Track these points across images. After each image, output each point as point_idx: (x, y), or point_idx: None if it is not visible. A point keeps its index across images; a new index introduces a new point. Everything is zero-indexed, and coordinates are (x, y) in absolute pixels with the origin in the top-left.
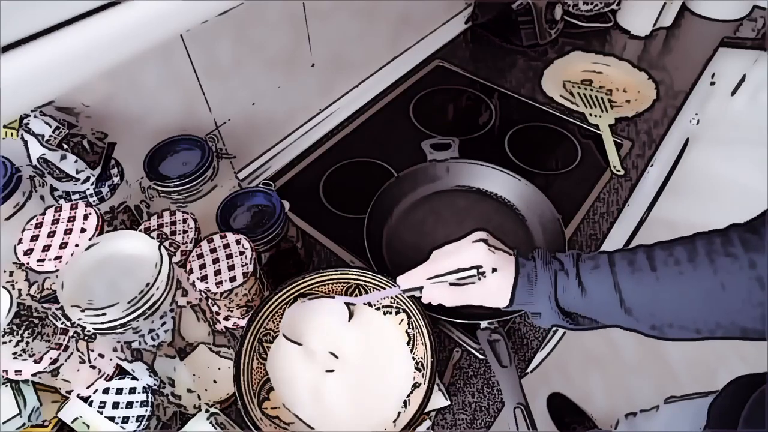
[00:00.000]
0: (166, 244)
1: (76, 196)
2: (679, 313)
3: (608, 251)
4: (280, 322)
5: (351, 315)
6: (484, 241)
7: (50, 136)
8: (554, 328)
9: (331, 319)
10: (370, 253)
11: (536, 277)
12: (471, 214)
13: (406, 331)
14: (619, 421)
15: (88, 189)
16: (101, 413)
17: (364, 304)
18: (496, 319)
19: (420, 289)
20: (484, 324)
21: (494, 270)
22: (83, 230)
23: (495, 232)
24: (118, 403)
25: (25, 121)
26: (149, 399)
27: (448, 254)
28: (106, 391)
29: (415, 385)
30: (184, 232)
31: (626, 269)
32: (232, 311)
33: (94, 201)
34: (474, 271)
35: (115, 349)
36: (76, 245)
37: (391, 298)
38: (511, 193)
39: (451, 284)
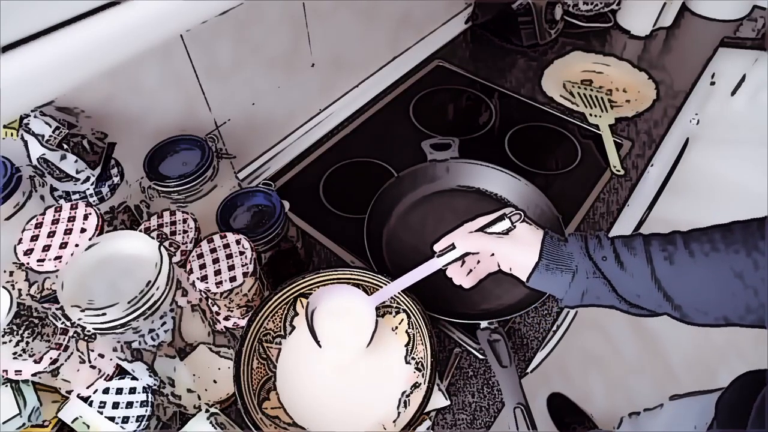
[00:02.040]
0: (166, 244)
1: (76, 196)
2: (707, 295)
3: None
4: (280, 322)
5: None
6: (521, 211)
7: (50, 136)
8: (554, 328)
9: (360, 327)
10: (370, 253)
11: (565, 237)
12: (471, 214)
13: (406, 331)
14: (622, 420)
15: (88, 189)
16: (101, 413)
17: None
18: (496, 319)
19: (458, 259)
20: (484, 324)
21: (523, 221)
22: (83, 230)
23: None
24: (118, 403)
25: (25, 121)
26: (149, 399)
27: (480, 217)
28: (106, 391)
29: (415, 385)
30: (184, 232)
31: (660, 243)
32: (232, 311)
33: (94, 201)
34: (504, 218)
35: (115, 349)
36: (76, 245)
37: (391, 297)
38: (511, 192)
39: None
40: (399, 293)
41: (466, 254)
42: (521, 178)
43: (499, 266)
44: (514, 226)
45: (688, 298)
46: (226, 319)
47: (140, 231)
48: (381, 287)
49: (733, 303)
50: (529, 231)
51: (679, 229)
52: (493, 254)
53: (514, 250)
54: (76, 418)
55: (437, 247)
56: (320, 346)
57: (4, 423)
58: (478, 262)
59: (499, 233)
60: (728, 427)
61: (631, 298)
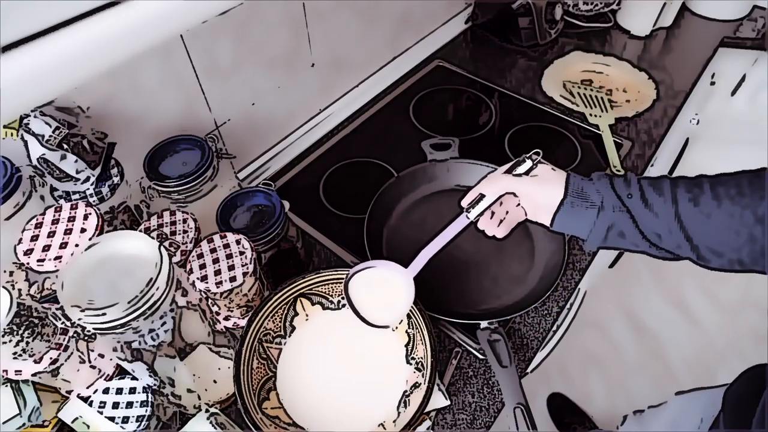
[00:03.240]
0: (166, 244)
1: (76, 196)
2: (727, 237)
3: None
4: (280, 322)
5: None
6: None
7: (50, 136)
8: (554, 328)
9: (400, 295)
10: (370, 252)
11: (590, 174)
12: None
13: (406, 331)
14: (626, 418)
15: (88, 189)
16: (101, 413)
17: None
18: (496, 319)
19: (486, 209)
20: (484, 324)
21: (538, 155)
22: (83, 230)
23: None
24: (118, 403)
25: (25, 121)
26: (149, 399)
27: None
28: (106, 391)
29: (415, 385)
30: (184, 232)
31: (686, 185)
32: (232, 311)
33: (94, 201)
34: (528, 162)
35: (115, 349)
36: (76, 245)
37: None
38: None
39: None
40: None
41: (493, 204)
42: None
43: (525, 215)
44: (536, 166)
45: (708, 239)
46: (226, 319)
47: (140, 231)
48: None
49: (751, 246)
50: (552, 171)
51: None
52: (518, 204)
53: (540, 188)
54: (76, 418)
55: (464, 202)
56: (359, 315)
57: (4, 423)
58: (507, 213)
59: (522, 174)
60: (734, 419)
61: (653, 237)
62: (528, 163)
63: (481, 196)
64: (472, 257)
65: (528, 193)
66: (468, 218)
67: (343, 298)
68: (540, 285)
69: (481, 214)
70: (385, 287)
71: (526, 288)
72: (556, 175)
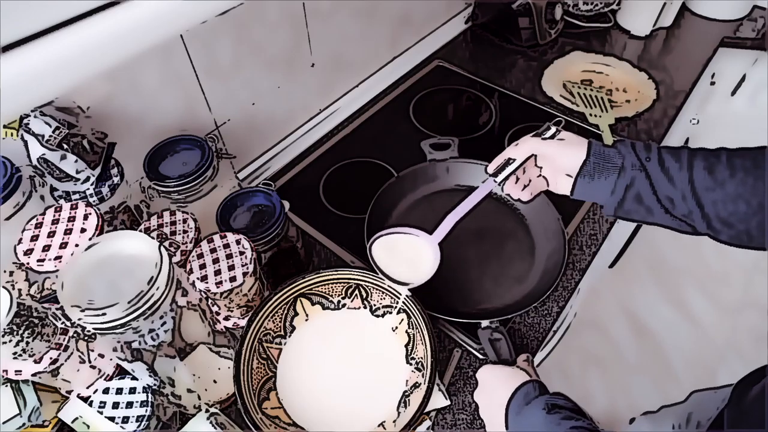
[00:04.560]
0: (166, 244)
1: (76, 196)
2: (738, 207)
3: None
4: (280, 322)
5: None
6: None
7: (50, 136)
8: (554, 328)
9: (424, 261)
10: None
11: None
12: (471, 214)
13: (406, 331)
14: (633, 420)
15: (88, 189)
16: (101, 413)
17: (364, 310)
18: (497, 318)
19: (512, 172)
20: (485, 323)
21: (561, 122)
22: (83, 230)
23: (496, 231)
24: (118, 403)
25: (25, 121)
26: (149, 399)
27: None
28: (106, 391)
29: (415, 385)
30: (184, 232)
31: (704, 155)
32: (232, 311)
33: (94, 201)
34: (552, 128)
35: (115, 349)
36: (76, 245)
37: (392, 297)
38: None
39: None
40: (399, 293)
41: (518, 168)
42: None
43: (547, 185)
44: (559, 132)
45: (718, 208)
46: (226, 319)
47: (140, 231)
48: (381, 287)
49: (760, 218)
50: (575, 136)
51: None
52: (539, 175)
53: (563, 150)
54: (76, 418)
55: (490, 168)
56: (382, 274)
57: (4, 423)
58: (529, 181)
59: (546, 138)
60: (735, 408)
61: (666, 202)
62: (552, 129)
63: (508, 161)
64: (473, 257)
65: (552, 155)
66: (495, 181)
67: (343, 298)
68: (541, 283)
69: (507, 178)
70: (410, 252)
71: (527, 287)
72: (579, 139)
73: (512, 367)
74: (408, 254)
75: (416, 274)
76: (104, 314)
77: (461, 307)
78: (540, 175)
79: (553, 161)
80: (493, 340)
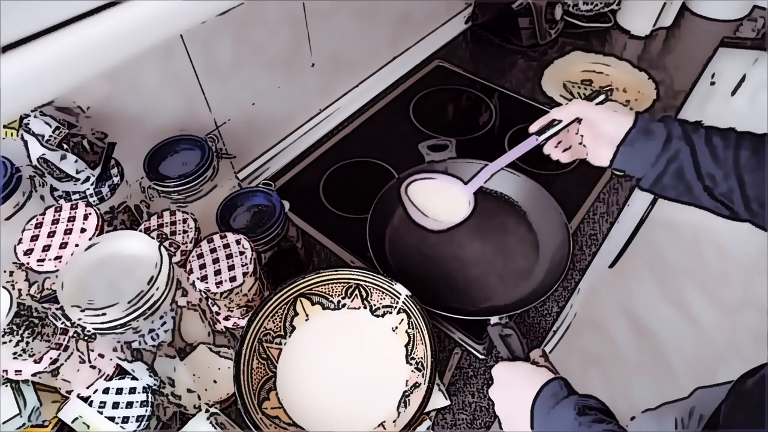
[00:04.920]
0: (166, 244)
1: (76, 196)
2: None
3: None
4: (280, 322)
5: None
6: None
7: (50, 136)
8: (554, 328)
9: (460, 206)
10: (375, 258)
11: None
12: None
13: (406, 331)
14: (633, 419)
15: (88, 189)
16: (101, 413)
17: (364, 310)
18: (507, 314)
19: (555, 134)
20: (494, 319)
21: (610, 92)
22: (83, 230)
23: (498, 229)
24: (118, 403)
25: (25, 121)
26: (149, 399)
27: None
28: (106, 391)
29: (415, 385)
30: (184, 232)
31: (751, 138)
32: (232, 311)
33: (94, 201)
34: (602, 95)
35: (115, 349)
36: (76, 245)
37: (392, 297)
38: (513, 189)
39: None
40: (399, 293)
41: (561, 131)
42: (520, 174)
43: (586, 155)
44: (608, 99)
45: (759, 190)
46: (226, 319)
47: (140, 231)
48: (381, 287)
49: None
50: (622, 106)
51: (680, 230)
52: (581, 143)
53: (610, 117)
54: (76, 418)
55: (533, 128)
56: (413, 218)
57: (4, 423)
58: (570, 146)
59: (597, 103)
60: (732, 395)
61: (708, 179)
62: (601, 97)
63: (552, 122)
64: (477, 255)
65: (598, 120)
66: (537, 140)
67: (343, 298)
68: (547, 278)
69: (549, 138)
70: (445, 197)
71: (533, 282)
72: (626, 110)
73: (531, 364)
74: (444, 199)
75: (450, 216)
76: (104, 314)
77: (467, 305)
78: (581, 143)
79: (597, 127)
80: (504, 336)
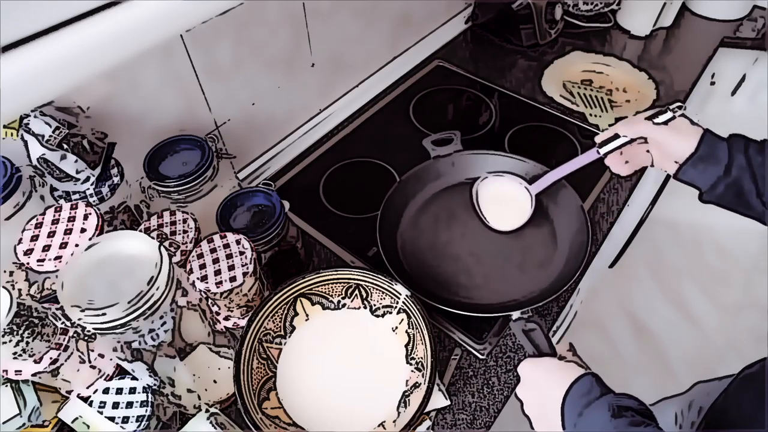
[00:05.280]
0: (166, 244)
1: (76, 196)
2: None
3: None
4: (280, 322)
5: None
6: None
7: (50, 136)
8: (554, 328)
9: (521, 212)
10: (388, 263)
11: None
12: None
13: (406, 331)
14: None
15: (88, 189)
16: (101, 413)
17: (364, 310)
18: (529, 307)
19: (615, 147)
20: (516, 314)
21: (681, 107)
22: (83, 230)
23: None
24: (118, 403)
25: (25, 121)
26: (149, 399)
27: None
28: (106, 391)
29: (415, 385)
30: (184, 232)
31: None
32: (232, 311)
33: (94, 201)
34: (669, 113)
35: (115, 349)
36: (76, 245)
37: (392, 297)
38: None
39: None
40: (399, 293)
41: (625, 145)
42: (529, 161)
43: (651, 163)
44: (675, 117)
45: None
46: (226, 319)
47: (140, 231)
48: (381, 287)
49: None
50: (689, 124)
51: (680, 230)
52: (647, 150)
53: (674, 137)
54: (76, 418)
55: (599, 139)
56: (485, 221)
57: (4, 423)
58: (631, 157)
59: (660, 123)
60: (738, 384)
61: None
62: (668, 114)
63: (616, 136)
64: (493, 248)
65: (662, 141)
66: (599, 153)
67: (343, 298)
68: (567, 267)
69: (611, 151)
70: (508, 196)
71: (553, 272)
72: (692, 129)
73: (558, 359)
74: (507, 199)
75: (512, 221)
76: (104, 314)
77: (488, 300)
78: (647, 150)
79: (661, 147)
80: (527, 331)
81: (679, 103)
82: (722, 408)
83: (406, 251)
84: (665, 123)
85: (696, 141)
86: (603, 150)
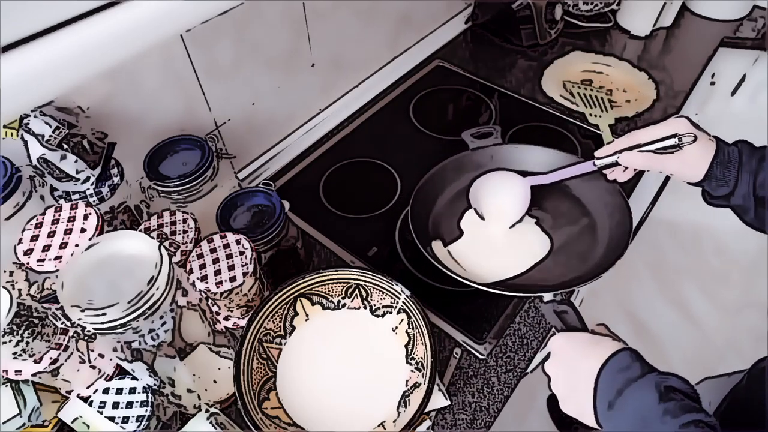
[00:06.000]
0: (166, 244)
1: (76, 196)
2: None
3: None
4: (280, 322)
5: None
6: (687, 117)
7: (50, 136)
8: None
9: (515, 200)
10: (415, 233)
11: (738, 156)
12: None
13: (406, 331)
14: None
15: (88, 189)
16: (101, 413)
17: (364, 310)
18: (561, 291)
19: (614, 164)
20: (547, 296)
21: (694, 140)
22: (83, 230)
23: (551, 213)
24: (118, 403)
25: (25, 121)
26: (149, 399)
27: (648, 127)
28: (106, 391)
29: (415, 385)
30: (184, 232)
31: None
32: (232, 311)
33: (94, 201)
34: (674, 140)
35: (115, 349)
36: (76, 245)
37: (392, 297)
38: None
39: (652, 152)
40: (399, 293)
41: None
42: (568, 154)
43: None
44: (681, 147)
45: None
46: (226, 319)
47: (140, 231)
48: (381, 287)
49: None
50: (699, 154)
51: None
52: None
53: (680, 169)
54: (76, 418)
55: (598, 153)
56: (482, 218)
57: (4, 423)
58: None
59: (665, 148)
60: (756, 376)
61: None
62: (674, 141)
63: (616, 163)
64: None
65: (667, 170)
66: (595, 166)
67: (343, 298)
68: (607, 255)
69: (608, 166)
70: (505, 192)
71: (590, 263)
72: (700, 158)
73: (590, 335)
74: (506, 193)
75: (514, 210)
76: (104, 314)
77: (518, 281)
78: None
79: (667, 172)
80: (560, 312)
81: (692, 135)
82: (745, 397)
83: (437, 228)
84: (671, 149)
85: (703, 171)
86: (598, 164)
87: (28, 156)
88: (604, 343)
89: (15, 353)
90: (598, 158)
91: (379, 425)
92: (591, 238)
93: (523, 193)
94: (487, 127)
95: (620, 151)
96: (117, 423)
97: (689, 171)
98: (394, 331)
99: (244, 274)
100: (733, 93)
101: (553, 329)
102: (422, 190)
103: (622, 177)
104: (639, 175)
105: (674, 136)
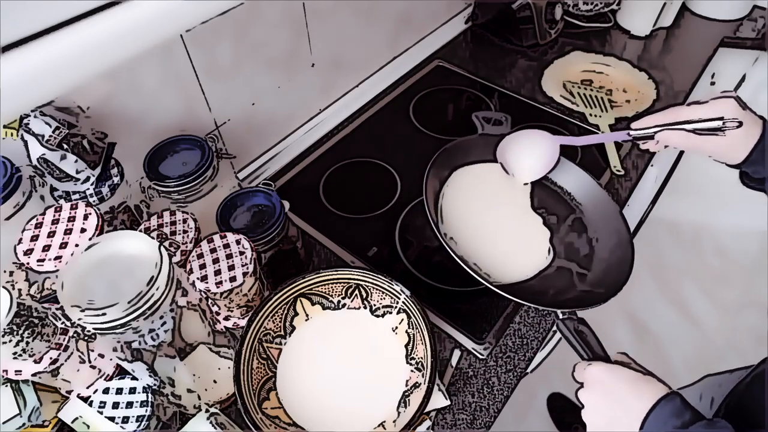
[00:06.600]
0: (166, 244)
1: (76, 196)
2: None
3: None
4: (280, 322)
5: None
6: (736, 98)
7: (50, 136)
8: (554, 328)
9: (544, 152)
10: (427, 203)
11: None
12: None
13: (406, 331)
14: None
15: (88, 189)
16: (101, 413)
17: (364, 310)
18: (576, 309)
19: (651, 137)
20: (562, 313)
21: (739, 125)
22: (83, 230)
23: (556, 216)
24: (118, 403)
25: (25, 121)
26: (149, 399)
27: (692, 106)
28: (106, 391)
29: (415, 385)
30: (184, 232)
31: None
32: (232, 311)
33: (94, 201)
34: (719, 122)
35: (115, 349)
36: (76, 245)
37: (392, 297)
38: (569, 182)
39: (691, 131)
40: (399, 293)
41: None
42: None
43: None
44: (723, 130)
45: None
46: (226, 319)
47: (140, 231)
48: (381, 287)
49: None
50: (743, 137)
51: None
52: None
53: (720, 151)
54: (76, 418)
55: (636, 125)
56: (507, 172)
57: (4, 423)
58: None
59: (707, 129)
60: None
61: None
62: (717, 124)
63: (653, 136)
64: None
65: (705, 152)
66: (629, 136)
67: (343, 298)
68: (608, 277)
69: (640, 139)
70: (532, 147)
71: (591, 277)
72: (744, 141)
73: (633, 371)
74: (536, 147)
75: (536, 168)
76: (104, 314)
77: (524, 286)
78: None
79: (706, 153)
80: (580, 332)
81: (738, 120)
82: (749, 395)
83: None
84: (713, 131)
85: (745, 155)
86: (633, 135)
87: (28, 156)
88: (652, 383)
89: (15, 353)
90: (633, 129)
91: (379, 425)
92: (588, 259)
93: (552, 148)
94: (499, 114)
95: (659, 126)
96: (117, 423)
97: (730, 154)
98: (394, 331)
99: (244, 274)
100: None
101: (578, 351)
102: (437, 163)
103: (654, 148)
104: (639, 175)
105: (719, 119)
